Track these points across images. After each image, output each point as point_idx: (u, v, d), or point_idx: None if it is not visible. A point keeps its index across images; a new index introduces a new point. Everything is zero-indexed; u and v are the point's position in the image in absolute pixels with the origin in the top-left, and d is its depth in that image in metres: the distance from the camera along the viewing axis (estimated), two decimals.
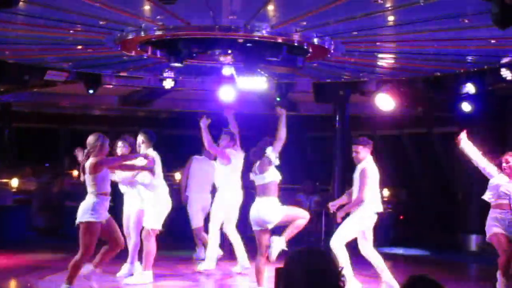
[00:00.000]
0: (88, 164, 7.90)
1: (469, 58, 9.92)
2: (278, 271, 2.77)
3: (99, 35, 8.73)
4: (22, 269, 10.04)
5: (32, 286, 9.01)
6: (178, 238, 12.61)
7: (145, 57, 9.89)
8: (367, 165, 8.77)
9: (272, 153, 8.16)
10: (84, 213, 7.89)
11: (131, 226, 9.45)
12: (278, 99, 12.35)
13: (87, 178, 7.93)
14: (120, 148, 9.30)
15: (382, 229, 14.44)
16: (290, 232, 8.24)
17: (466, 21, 7.33)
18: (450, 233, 13.94)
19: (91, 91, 11.77)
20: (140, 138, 9.33)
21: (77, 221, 7.88)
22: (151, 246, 9.11)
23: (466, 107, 11.14)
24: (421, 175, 16.39)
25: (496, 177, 8.43)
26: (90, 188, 7.94)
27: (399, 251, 13.54)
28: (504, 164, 8.40)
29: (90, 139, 8.03)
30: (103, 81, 11.87)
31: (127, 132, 10.03)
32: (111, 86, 12.34)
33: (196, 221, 11.07)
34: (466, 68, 10.42)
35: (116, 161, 8.61)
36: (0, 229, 12.95)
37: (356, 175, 8.84)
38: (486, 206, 8.59)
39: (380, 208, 8.80)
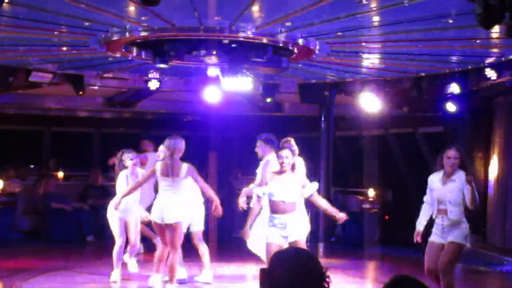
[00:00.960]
0: (183, 168, 8.17)
1: (454, 58, 9.97)
2: (262, 271, 2.77)
3: (84, 36, 8.69)
4: (7, 271, 9.97)
5: None
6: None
7: (130, 58, 9.86)
8: (269, 158, 8.68)
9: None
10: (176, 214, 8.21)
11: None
12: (268, 100, 12.34)
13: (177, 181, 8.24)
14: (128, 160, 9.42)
15: (368, 229, 14.52)
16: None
17: (451, 21, 7.36)
18: None
19: (80, 93, 11.69)
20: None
21: (173, 222, 8.12)
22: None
23: (450, 107, 11.19)
24: (406, 175, 16.42)
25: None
26: (179, 190, 8.24)
27: (385, 251, 13.56)
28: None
29: (167, 143, 8.33)
30: (87, 82, 11.81)
31: (114, 133, 10.00)
32: (96, 87, 12.29)
33: None
34: (450, 68, 10.46)
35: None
36: None
37: (259, 170, 8.79)
38: None
39: None
